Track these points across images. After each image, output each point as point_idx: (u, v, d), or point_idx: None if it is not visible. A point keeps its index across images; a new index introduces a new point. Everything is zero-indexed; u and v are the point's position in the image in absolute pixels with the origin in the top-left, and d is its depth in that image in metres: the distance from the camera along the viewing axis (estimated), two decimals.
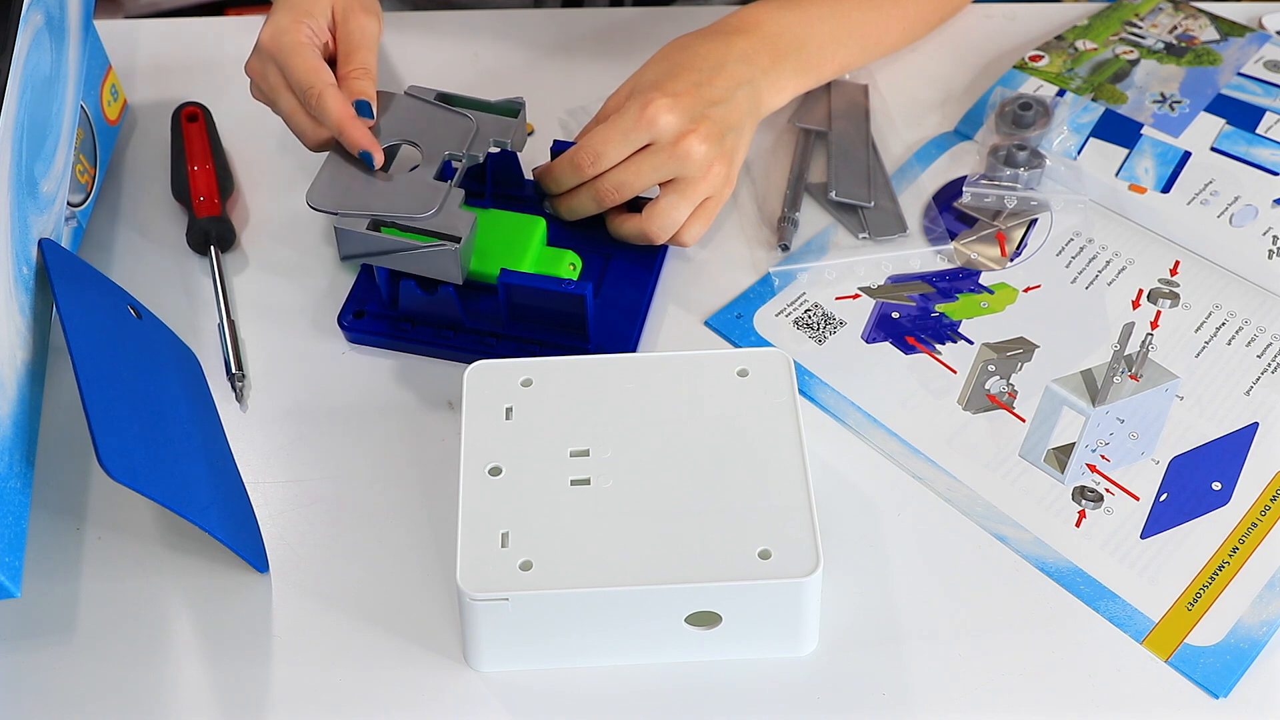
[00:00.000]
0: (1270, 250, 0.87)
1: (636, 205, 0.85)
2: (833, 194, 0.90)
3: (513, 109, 0.83)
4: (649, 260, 0.86)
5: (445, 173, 0.81)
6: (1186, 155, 0.91)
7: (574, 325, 0.80)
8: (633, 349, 0.82)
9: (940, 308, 0.85)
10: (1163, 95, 0.95)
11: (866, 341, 0.84)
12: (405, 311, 0.82)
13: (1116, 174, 0.91)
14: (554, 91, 0.98)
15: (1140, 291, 0.86)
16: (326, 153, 0.82)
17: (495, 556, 0.66)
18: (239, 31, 1.04)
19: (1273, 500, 0.76)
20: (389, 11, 1.09)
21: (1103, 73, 0.97)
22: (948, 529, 0.75)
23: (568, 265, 0.83)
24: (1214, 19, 1.00)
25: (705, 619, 0.67)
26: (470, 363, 0.75)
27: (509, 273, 0.79)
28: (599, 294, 0.84)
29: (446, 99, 0.84)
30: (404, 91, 0.84)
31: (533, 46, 1.02)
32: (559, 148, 0.85)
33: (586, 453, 0.70)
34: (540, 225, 0.83)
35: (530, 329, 0.81)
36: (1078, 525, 0.75)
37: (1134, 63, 0.98)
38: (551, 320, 0.80)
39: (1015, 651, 0.70)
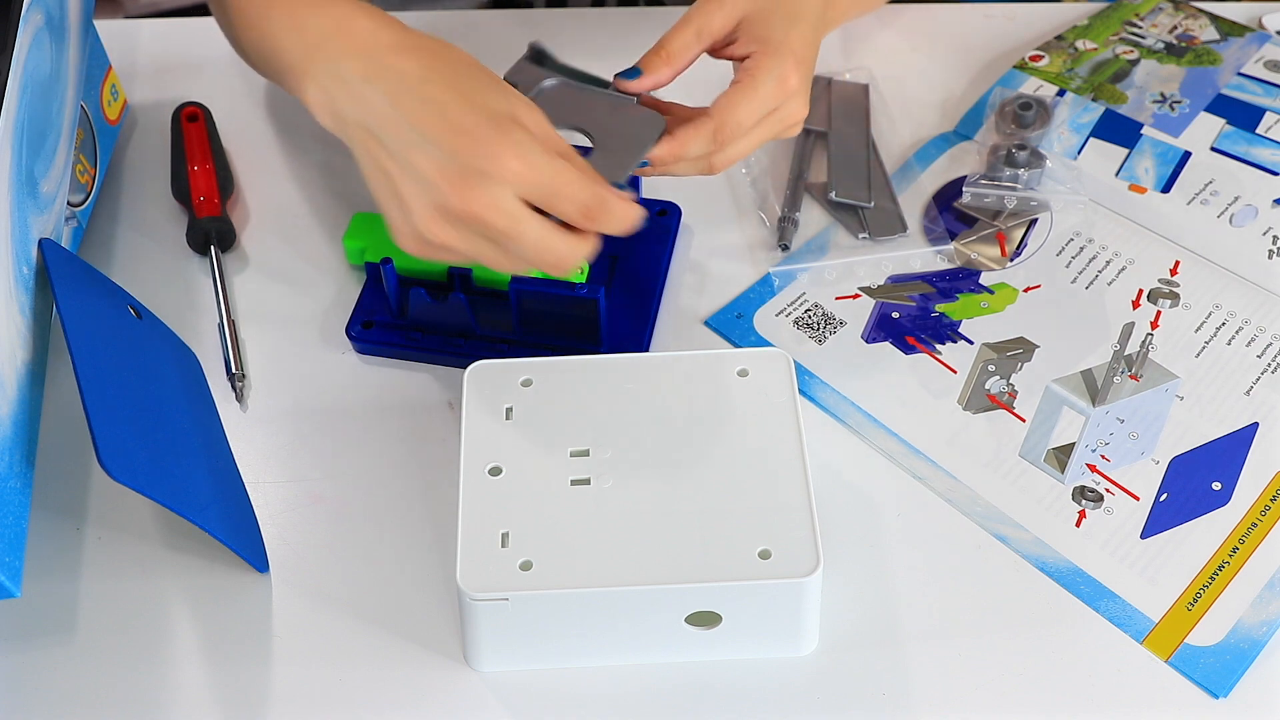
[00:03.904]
0: (1270, 250, 0.87)
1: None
2: (833, 194, 0.90)
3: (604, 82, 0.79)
4: (656, 262, 0.86)
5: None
6: (1186, 155, 0.91)
7: (586, 329, 0.80)
8: (644, 351, 0.82)
9: (940, 308, 0.85)
10: (1163, 95, 0.95)
11: (866, 341, 0.84)
12: (414, 320, 0.82)
13: (1116, 174, 0.91)
14: None
15: (1140, 291, 0.86)
16: None
17: (495, 556, 0.66)
18: None
19: (1273, 500, 0.76)
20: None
21: (1103, 73, 0.97)
22: (948, 529, 0.75)
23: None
24: (1214, 19, 1.00)
25: (705, 619, 0.67)
26: None
27: (520, 278, 0.78)
28: (608, 297, 0.84)
29: (571, 73, 0.80)
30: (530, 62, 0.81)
31: (526, 46, 1.02)
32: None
33: (586, 453, 0.70)
34: None
35: (542, 334, 0.81)
36: (1078, 525, 0.75)
37: (1134, 63, 0.98)
38: (563, 325, 0.80)
39: (1015, 651, 0.70)
